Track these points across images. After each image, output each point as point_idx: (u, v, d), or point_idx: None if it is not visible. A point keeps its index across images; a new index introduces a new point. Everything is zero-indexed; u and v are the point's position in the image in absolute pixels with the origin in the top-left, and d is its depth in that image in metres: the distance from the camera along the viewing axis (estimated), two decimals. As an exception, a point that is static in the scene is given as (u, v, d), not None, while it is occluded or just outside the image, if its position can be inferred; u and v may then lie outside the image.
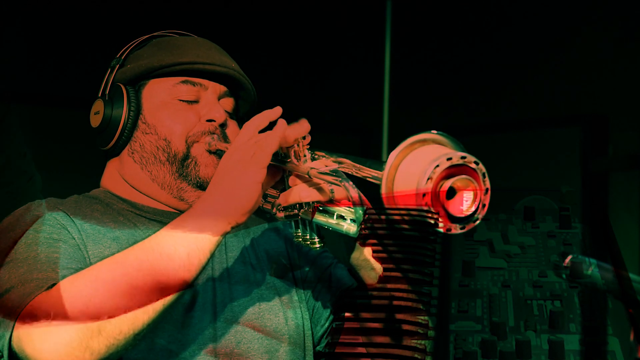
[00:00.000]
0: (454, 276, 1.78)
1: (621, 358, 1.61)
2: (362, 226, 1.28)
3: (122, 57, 1.73)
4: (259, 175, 1.39)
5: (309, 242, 1.50)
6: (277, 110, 1.46)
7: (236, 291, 1.66)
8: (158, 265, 1.35)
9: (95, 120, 1.71)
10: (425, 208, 1.12)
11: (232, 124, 1.72)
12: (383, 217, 1.19)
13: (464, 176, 1.12)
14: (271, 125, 1.46)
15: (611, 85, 2.86)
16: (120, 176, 1.72)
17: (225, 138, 1.68)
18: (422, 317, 1.23)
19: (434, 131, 1.17)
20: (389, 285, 1.24)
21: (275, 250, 1.78)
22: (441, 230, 1.14)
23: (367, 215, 1.24)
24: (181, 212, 1.67)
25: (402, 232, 1.17)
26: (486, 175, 1.14)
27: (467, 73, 3.24)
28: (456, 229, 1.14)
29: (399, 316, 1.23)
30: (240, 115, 1.80)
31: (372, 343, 1.26)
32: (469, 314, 1.71)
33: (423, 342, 1.23)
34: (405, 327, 1.23)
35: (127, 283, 1.33)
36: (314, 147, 1.45)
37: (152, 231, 1.47)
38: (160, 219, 1.67)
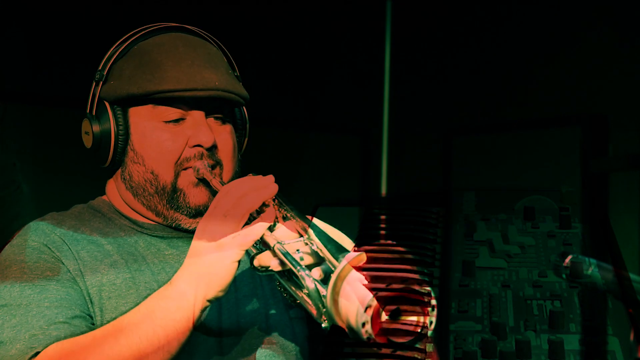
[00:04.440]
0: (454, 276, 1.78)
1: (621, 358, 1.61)
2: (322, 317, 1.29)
3: (104, 72, 1.68)
4: (237, 256, 1.43)
5: (287, 297, 1.51)
6: (268, 191, 1.45)
7: (243, 306, 1.66)
8: (137, 350, 1.39)
9: (87, 141, 1.69)
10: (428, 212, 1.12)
11: (223, 134, 1.69)
12: (383, 217, 1.19)
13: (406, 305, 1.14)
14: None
15: (611, 85, 2.86)
16: (119, 194, 1.73)
17: (213, 157, 1.66)
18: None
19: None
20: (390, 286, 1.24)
21: None
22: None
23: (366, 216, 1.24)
24: (179, 229, 1.69)
25: (402, 233, 1.17)
26: (432, 293, 1.15)
27: (467, 73, 3.24)
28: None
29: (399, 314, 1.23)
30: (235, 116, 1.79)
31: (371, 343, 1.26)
32: (469, 314, 1.71)
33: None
34: (406, 327, 1.23)
35: None
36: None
37: (154, 248, 1.54)
38: (162, 234, 1.69)
